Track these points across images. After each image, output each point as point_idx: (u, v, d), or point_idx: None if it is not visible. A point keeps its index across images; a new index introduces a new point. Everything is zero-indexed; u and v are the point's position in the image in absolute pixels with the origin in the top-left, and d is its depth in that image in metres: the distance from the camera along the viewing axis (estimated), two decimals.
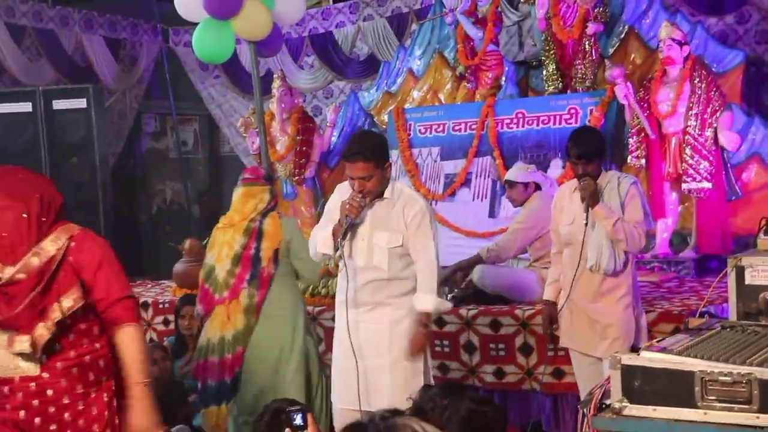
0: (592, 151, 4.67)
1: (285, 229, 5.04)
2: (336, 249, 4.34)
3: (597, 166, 4.70)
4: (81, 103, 8.87)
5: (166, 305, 7.28)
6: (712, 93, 6.78)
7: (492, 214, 7.68)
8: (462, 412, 3.24)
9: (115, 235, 9.24)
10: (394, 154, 8.27)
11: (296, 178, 8.60)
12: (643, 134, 7.08)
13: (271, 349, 5.01)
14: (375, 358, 4.40)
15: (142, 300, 7.43)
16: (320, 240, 4.42)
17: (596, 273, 4.69)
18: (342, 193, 4.45)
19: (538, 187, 6.07)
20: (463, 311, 5.86)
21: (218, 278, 5.07)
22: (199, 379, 5.18)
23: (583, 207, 4.62)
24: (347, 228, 4.28)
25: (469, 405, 3.27)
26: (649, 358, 2.96)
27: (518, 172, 6.14)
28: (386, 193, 4.37)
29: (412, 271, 4.43)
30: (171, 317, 7.00)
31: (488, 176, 7.84)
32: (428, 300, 4.41)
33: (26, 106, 8.81)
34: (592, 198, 4.57)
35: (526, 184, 6.05)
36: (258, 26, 5.45)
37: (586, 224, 4.60)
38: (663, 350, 3.02)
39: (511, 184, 6.16)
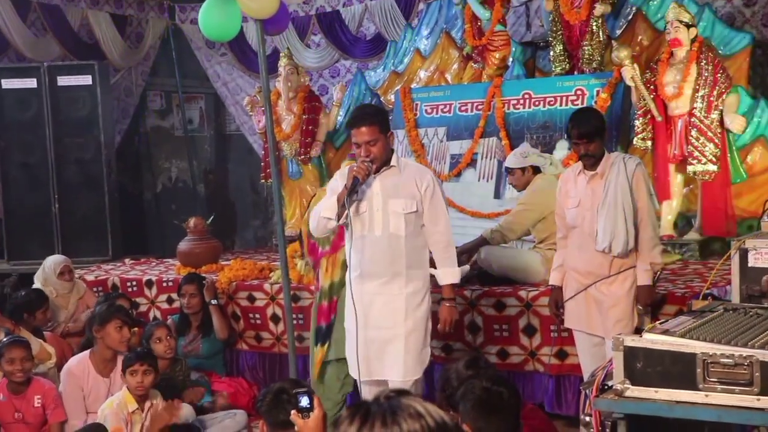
0: (593, 131, 4.71)
1: None
2: (341, 213, 4.37)
3: (598, 146, 4.73)
4: (86, 79, 8.87)
5: (170, 284, 7.31)
6: (719, 75, 6.75)
7: (497, 195, 7.67)
8: (477, 391, 3.27)
9: (119, 212, 9.28)
10: (400, 134, 8.28)
11: (302, 157, 8.59)
12: (649, 116, 7.05)
13: None
14: (390, 329, 4.52)
15: (146, 278, 7.47)
16: (324, 207, 4.48)
17: (606, 254, 4.70)
18: (344, 174, 4.51)
19: (539, 170, 6.09)
20: (467, 292, 5.88)
21: None
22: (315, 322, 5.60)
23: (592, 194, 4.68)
24: (354, 189, 4.33)
25: (484, 384, 3.30)
26: (651, 339, 2.98)
27: (513, 158, 6.19)
28: (393, 161, 4.49)
29: (425, 239, 4.52)
30: (175, 296, 7.04)
31: (494, 157, 7.82)
32: (452, 273, 4.64)
33: (31, 82, 8.81)
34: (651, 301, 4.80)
35: (523, 169, 6.08)
36: (265, 4, 5.41)
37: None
38: (665, 332, 3.04)
39: (509, 170, 6.21)
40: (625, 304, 4.75)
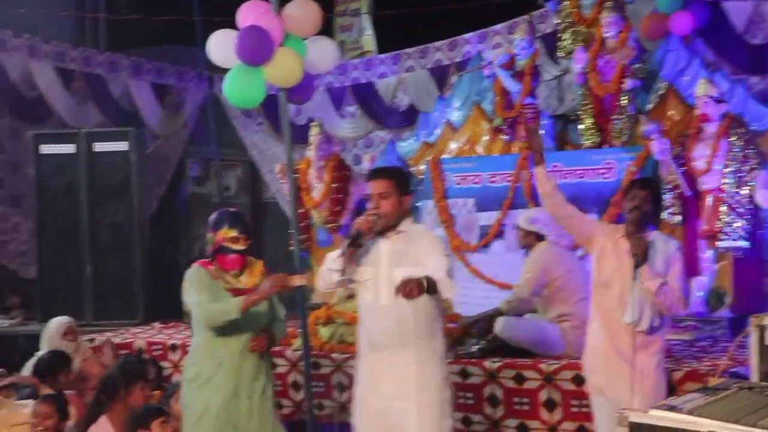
0: (654, 186, 4.86)
1: None
2: (345, 266, 4.22)
3: (651, 207, 4.71)
4: (122, 145, 9.01)
5: None
6: (749, 151, 6.69)
7: None
8: None
9: (152, 277, 9.33)
10: (429, 204, 8.29)
11: (331, 225, 8.62)
12: (678, 191, 6.99)
13: None
14: (402, 401, 4.29)
15: (171, 341, 7.47)
16: (330, 259, 4.34)
17: (631, 329, 4.62)
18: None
19: (541, 237, 6.12)
20: (487, 363, 5.81)
21: None
22: None
23: (631, 262, 4.56)
24: (356, 242, 4.22)
25: None
26: (657, 416, 2.90)
27: (522, 218, 6.34)
28: (403, 226, 4.35)
29: (436, 308, 4.38)
30: None
31: None
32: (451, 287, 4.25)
33: (69, 148, 8.98)
34: (643, 256, 4.53)
35: (528, 232, 6.15)
36: (289, 73, 5.50)
37: (635, 279, 4.53)
38: (672, 408, 2.96)
39: (516, 227, 6.40)
40: (654, 379, 4.64)
